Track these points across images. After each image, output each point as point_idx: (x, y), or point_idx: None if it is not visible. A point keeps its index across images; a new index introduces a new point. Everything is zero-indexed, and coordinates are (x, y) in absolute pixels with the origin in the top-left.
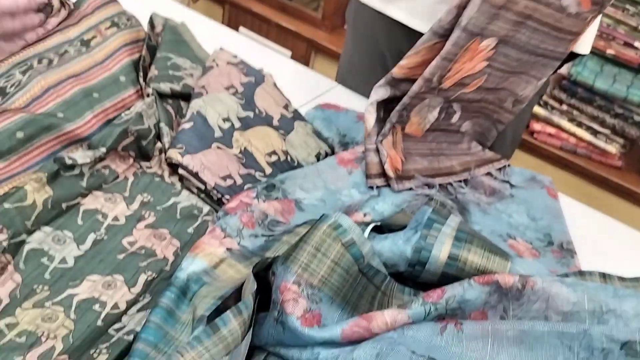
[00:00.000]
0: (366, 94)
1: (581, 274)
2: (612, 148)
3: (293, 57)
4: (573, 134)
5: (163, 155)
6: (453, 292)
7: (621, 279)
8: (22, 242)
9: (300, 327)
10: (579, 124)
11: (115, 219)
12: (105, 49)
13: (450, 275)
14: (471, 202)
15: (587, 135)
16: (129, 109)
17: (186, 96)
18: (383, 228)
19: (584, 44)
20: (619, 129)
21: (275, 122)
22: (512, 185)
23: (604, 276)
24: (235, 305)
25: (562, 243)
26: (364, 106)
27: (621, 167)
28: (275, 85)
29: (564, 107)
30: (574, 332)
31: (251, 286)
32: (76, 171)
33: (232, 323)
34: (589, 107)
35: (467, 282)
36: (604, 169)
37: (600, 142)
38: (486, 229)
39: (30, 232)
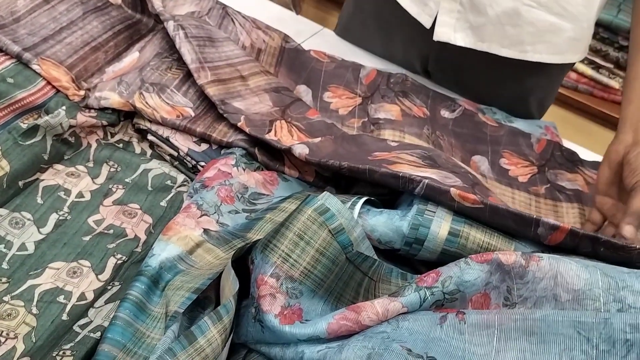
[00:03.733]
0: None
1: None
2: (615, 83)
3: None
4: (574, 70)
5: (129, 120)
6: (449, 273)
7: None
8: None
9: (279, 325)
10: None
11: (80, 195)
12: None
13: (451, 253)
14: None
15: (588, 70)
16: None
17: None
18: (376, 201)
19: None
20: (622, 62)
21: None
22: None
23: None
24: (215, 310)
25: None
26: (350, 52)
27: None
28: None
29: None
30: (593, 321)
31: (232, 286)
32: (38, 137)
33: (211, 331)
34: (591, 39)
35: (464, 261)
36: (606, 105)
37: (602, 77)
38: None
39: None
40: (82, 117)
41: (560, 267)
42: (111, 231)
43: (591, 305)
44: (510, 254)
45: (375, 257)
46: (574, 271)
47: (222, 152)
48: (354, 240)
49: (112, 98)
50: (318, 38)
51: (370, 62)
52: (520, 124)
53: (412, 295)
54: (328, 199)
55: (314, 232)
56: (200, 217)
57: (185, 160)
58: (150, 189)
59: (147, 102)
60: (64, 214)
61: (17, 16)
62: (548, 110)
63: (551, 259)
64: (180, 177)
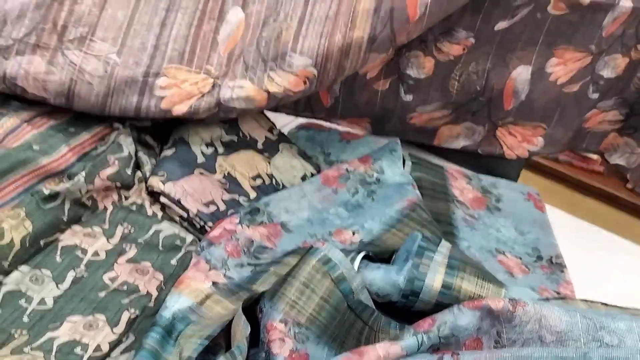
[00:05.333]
0: None
1: (563, 299)
2: (593, 154)
3: None
4: None
5: (143, 184)
6: (444, 319)
7: (604, 304)
8: None
9: None
10: None
11: (96, 254)
12: None
13: (444, 304)
14: (459, 217)
15: None
16: (104, 139)
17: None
18: (373, 257)
19: None
20: None
21: (259, 146)
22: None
23: (587, 301)
24: (230, 350)
25: (551, 257)
26: (348, 125)
27: (603, 173)
28: None
29: None
30: (573, 356)
31: (244, 330)
32: (58, 201)
33: None
34: None
35: (457, 307)
36: (585, 175)
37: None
38: (475, 245)
39: (7, 273)
40: (99, 182)
41: (544, 311)
42: (125, 287)
43: (573, 344)
44: (499, 300)
45: (374, 307)
46: (557, 314)
47: (229, 212)
48: (355, 289)
49: (246, 86)
50: None
51: None
52: (504, 191)
53: (411, 339)
54: (330, 250)
55: (319, 280)
56: (209, 270)
57: (194, 221)
58: (161, 248)
59: (276, 83)
60: (80, 271)
61: None
62: (531, 179)
63: (535, 304)
64: (189, 237)
